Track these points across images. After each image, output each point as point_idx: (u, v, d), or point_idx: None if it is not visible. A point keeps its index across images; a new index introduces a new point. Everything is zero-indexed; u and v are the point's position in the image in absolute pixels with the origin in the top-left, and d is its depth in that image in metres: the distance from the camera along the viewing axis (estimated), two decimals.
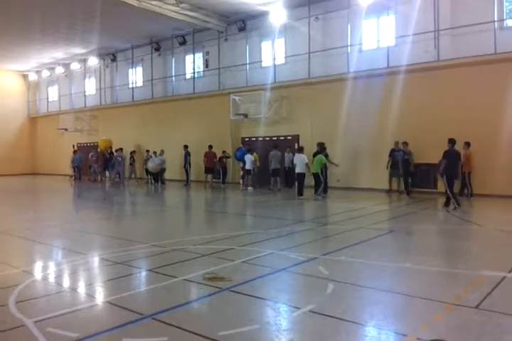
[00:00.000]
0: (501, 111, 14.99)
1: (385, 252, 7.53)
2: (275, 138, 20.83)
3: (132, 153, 24.74)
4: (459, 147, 13.27)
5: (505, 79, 14.94)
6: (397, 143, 16.38)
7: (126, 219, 12.47)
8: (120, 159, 23.92)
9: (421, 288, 5.43)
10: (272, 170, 18.39)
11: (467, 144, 14.45)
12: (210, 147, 20.81)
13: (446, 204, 12.59)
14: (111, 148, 25.91)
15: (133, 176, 24.43)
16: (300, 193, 15.54)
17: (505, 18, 15.83)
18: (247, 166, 18.81)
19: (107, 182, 24.91)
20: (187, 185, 21.43)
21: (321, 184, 15.42)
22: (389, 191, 16.71)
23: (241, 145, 21.01)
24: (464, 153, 14.11)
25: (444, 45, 16.40)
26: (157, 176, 22.50)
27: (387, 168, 16.50)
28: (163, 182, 22.34)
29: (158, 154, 22.66)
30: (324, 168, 15.65)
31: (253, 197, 16.83)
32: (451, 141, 12.52)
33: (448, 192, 12.42)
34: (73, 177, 27.30)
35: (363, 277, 6.04)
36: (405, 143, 15.84)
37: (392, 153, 16.38)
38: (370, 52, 18.51)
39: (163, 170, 22.40)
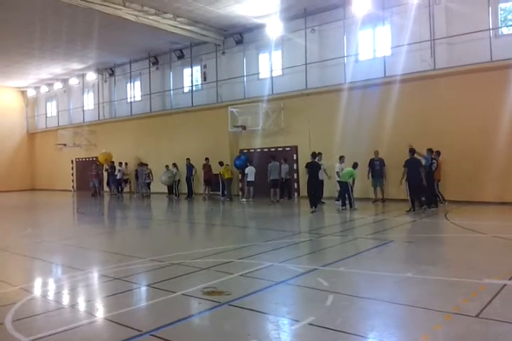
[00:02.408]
0: (499, 118, 15.01)
1: (384, 262, 7.48)
2: (273, 150, 20.87)
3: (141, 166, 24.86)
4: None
5: (502, 86, 14.99)
6: (376, 152, 16.47)
7: (124, 234, 12.41)
8: (121, 173, 24.17)
9: (421, 298, 5.38)
10: (271, 181, 18.35)
11: (437, 153, 14.76)
12: (206, 159, 21.38)
13: (413, 208, 13.78)
14: (113, 162, 25.94)
15: (144, 190, 24.38)
16: (343, 203, 15.16)
17: (500, 26, 15.94)
18: (250, 178, 18.89)
19: (107, 197, 24.94)
20: (189, 198, 21.42)
21: (345, 195, 15.04)
22: (375, 201, 16.62)
23: (240, 154, 21.27)
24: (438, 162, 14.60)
25: (440, 53, 16.50)
26: (171, 188, 22.59)
27: (368, 177, 16.54)
28: (176, 195, 22.32)
29: (172, 167, 22.66)
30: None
31: (252, 209, 16.79)
32: (411, 151, 13.86)
33: (409, 197, 13.94)
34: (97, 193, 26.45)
35: (363, 288, 6.00)
36: (430, 151, 14.54)
37: (372, 163, 16.43)
38: (367, 63, 18.61)
39: (176, 183, 22.45)
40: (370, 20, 18.15)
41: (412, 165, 13.71)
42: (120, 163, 25.56)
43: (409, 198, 14.00)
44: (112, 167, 25.79)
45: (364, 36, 18.89)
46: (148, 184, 24.01)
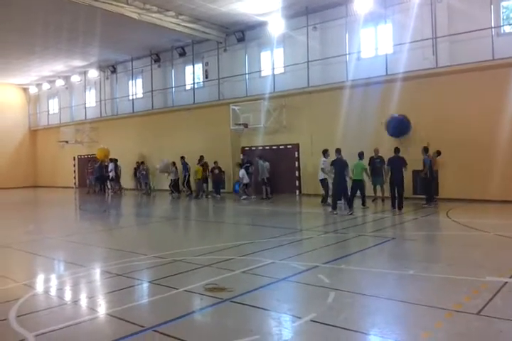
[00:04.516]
0: (501, 116, 15.01)
1: (386, 260, 7.52)
2: (275, 147, 20.89)
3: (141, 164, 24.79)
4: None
5: (504, 85, 14.98)
6: (376, 150, 16.31)
7: (126, 231, 12.44)
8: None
9: (422, 295, 5.41)
10: (261, 180, 18.50)
11: (438, 153, 14.89)
12: (202, 157, 21.10)
13: (397, 206, 13.67)
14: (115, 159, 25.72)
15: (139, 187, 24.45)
16: (363, 203, 14.73)
17: (502, 24, 15.92)
18: (245, 181, 19.15)
19: (105, 194, 24.81)
20: (191, 195, 21.34)
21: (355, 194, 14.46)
22: (374, 199, 16.37)
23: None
24: (434, 161, 14.64)
25: (442, 51, 16.49)
26: (175, 186, 22.42)
27: (369, 176, 15.80)
28: (178, 192, 22.12)
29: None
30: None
31: (249, 207, 16.76)
32: (396, 149, 13.97)
33: (390, 195, 13.93)
34: (92, 191, 26.08)
35: (364, 285, 6.02)
36: (426, 149, 14.78)
37: (373, 161, 16.29)
38: (369, 60, 18.61)
39: (173, 181, 22.32)
40: (372, 18, 18.15)
41: (394, 163, 13.73)
42: (116, 160, 25.24)
43: (390, 196, 14.00)
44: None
45: (366, 34, 18.88)
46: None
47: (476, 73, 15.55)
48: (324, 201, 15.76)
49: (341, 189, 13.71)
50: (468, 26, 15.67)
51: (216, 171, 20.44)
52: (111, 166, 24.57)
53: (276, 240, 9.32)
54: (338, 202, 13.94)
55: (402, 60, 17.00)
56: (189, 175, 21.75)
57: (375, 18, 18.15)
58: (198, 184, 20.74)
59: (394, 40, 17.83)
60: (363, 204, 14.74)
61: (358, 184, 14.44)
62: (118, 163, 25.14)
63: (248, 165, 19.66)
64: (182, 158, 21.87)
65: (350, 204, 13.56)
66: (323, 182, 15.58)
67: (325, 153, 15.18)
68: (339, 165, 13.56)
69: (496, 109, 15.11)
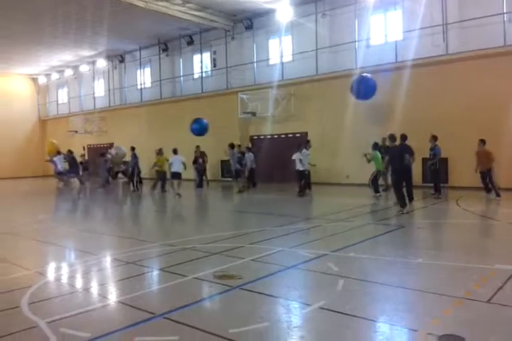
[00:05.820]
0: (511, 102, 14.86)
1: (395, 248, 7.49)
2: (283, 136, 20.83)
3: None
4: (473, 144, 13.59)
5: None
6: (384, 139, 15.98)
7: (134, 219, 12.52)
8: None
9: (432, 283, 5.40)
10: (234, 171, 18.18)
11: (482, 142, 13.35)
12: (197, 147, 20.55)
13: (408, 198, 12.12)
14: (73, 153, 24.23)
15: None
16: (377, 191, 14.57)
17: None
18: (174, 168, 16.84)
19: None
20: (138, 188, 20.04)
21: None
22: (386, 188, 16.27)
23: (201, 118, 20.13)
24: (477, 151, 13.43)
25: (452, 38, 16.29)
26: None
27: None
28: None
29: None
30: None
31: (248, 196, 16.77)
32: (402, 137, 11.58)
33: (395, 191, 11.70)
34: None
35: (373, 273, 6.02)
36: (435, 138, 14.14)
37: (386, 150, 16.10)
38: (378, 47, 18.44)
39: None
40: (382, 4, 17.97)
41: (393, 152, 11.68)
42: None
43: (395, 191, 11.79)
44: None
45: (375, 21, 18.67)
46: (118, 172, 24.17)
47: (488, 60, 15.37)
48: (302, 192, 15.50)
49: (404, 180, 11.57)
50: (479, 12, 15.42)
51: (200, 161, 19.79)
52: (60, 159, 23.20)
53: (284, 228, 9.33)
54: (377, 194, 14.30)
55: (412, 47, 16.81)
56: (137, 168, 19.84)
57: (385, 4, 17.96)
58: (159, 176, 18.45)
59: (404, 27, 17.63)
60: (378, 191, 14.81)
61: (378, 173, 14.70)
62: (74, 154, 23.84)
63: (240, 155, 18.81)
64: (132, 148, 20.23)
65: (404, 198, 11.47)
66: (302, 173, 15.53)
67: (299, 146, 15.64)
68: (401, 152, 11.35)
69: (508, 95, 14.93)
